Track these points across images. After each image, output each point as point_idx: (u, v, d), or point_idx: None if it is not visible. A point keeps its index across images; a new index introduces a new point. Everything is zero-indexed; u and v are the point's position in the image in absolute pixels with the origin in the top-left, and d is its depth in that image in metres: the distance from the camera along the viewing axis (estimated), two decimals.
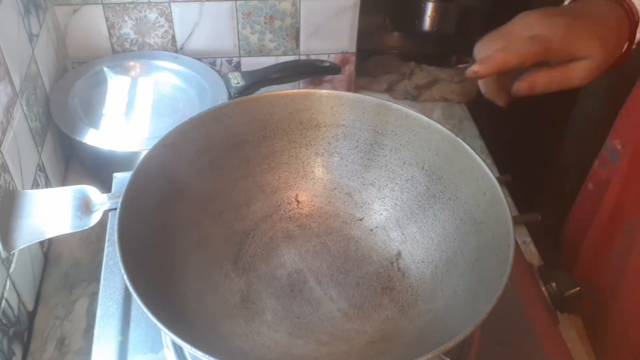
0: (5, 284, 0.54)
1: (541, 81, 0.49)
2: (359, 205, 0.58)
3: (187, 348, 0.37)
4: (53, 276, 0.64)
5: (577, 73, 0.49)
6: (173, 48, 0.86)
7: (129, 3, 0.80)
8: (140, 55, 0.84)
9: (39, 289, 0.63)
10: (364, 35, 0.88)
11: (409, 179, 0.56)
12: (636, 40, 0.52)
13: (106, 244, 0.56)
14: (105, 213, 0.57)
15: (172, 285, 0.47)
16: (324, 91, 0.57)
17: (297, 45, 0.87)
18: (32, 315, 0.60)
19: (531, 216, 0.72)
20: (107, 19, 0.81)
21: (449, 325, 0.44)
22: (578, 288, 0.54)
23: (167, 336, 0.45)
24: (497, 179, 0.48)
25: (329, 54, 0.89)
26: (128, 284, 0.40)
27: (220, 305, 0.50)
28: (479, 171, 0.49)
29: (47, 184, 0.69)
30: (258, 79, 0.79)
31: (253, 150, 0.57)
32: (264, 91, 0.78)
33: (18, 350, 0.56)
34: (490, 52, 0.50)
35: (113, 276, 0.54)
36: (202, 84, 0.79)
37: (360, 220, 0.58)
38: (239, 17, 0.83)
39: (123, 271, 0.40)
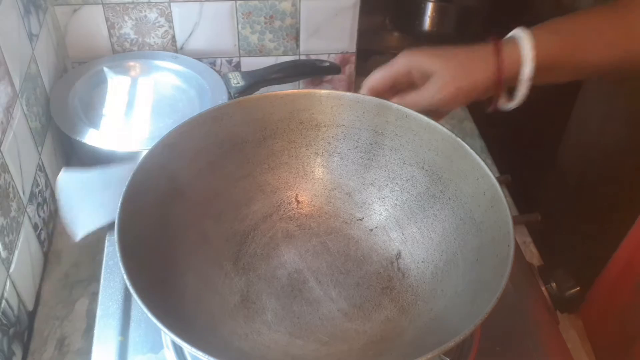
0: (5, 284, 0.54)
1: (406, 101, 0.56)
2: (359, 205, 0.58)
3: (187, 348, 0.37)
4: (53, 276, 0.64)
5: (428, 89, 0.55)
6: (173, 48, 0.86)
7: (129, 3, 0.80)
8: (140, 55, 0.84)
9: (39, 289, 0.63)
10: (364, 35, 0.88)
11: (409, 179, 0.56)
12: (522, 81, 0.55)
13: (106, 244, 0.56)
14: None
15: (172, 285, 0.47)
16: (324, 91, 0.57)
17: (297, 45, 0.87)
18: (32, 315, 0.60)
19: (531, 216, 0.72)
20: (107, 19, 0.81)
21: (449, 325, 0.44)
22: (578, 288, 0.54)
23: (167, 336, 0.45)
24: (497, 179, 0.48)
25: (329, 54, 0.89)
26: (128, 284, 0.40)
27: (220, 305, 0.50)
28: (479, 171, 0.49)
29: (47, 184, 0.69)
30: (258, 79, 0.79)
31: (253, 150, 0.57)
32: (264, 91, 0.78)
33: (18, 350, 0.56)
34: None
35: (113, 276, 0.54)
36: (202, 84, 0.79)
37: (360, 220, 0.58)
38: (238, 17, 0.83)
39: (123, 271, 0.40)
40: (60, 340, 0.58)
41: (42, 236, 0.65)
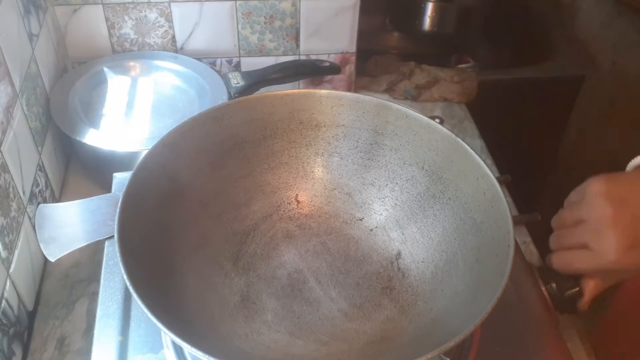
0: (5, 284, 0.54)
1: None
2: (359, 205, 0.58)
3: (187, 348, 0.37)
4: (53, 276, 0.64)
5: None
6: (173, 48, 0.86)
7: (129, 3, 0.80)
8: (140, 55, 0.84)
9: (39, 289, 0.63)
10: (364, 35, 0.88)
11: (409, 179, 0.56)
12: None
13: (106, 244, 0.56)
14: None
15: (172, 285, 0.47)
16: (324, 91, 0.57)
17: (297, 45, 0.87)
18: (32, 315, 0.60)
19: (531, 216, 0.72)
20: (107, 19, 0.81)
21: (449, 325, 0.44)
22: (578, 288, 0.54)
23: (167, 336, 0.45)
24: (497, 179, 0.48)
25: (329, 54, 0.89)
26: (128, 284, 0.40)
27: (220, 305, 0.50)
28: (479, 171, 0.50)
29: (47, 184, 0.69)
30: (258, 79, 0.79)
31: (253, 150, 0.57)
32: (264, 91, 0.78)
33: (18, 350, 0.56)
34: (578, 264, 0.49)
35: (113, 276, 0.54)
36: (202, 84, 0.79)
37: (360, 220, 0.58)
38: (238, 17, 0.83)
39: (123, 271, 0.40)
40: (60, 340, 0.58)
41: None
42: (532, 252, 0.70)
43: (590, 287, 0.50)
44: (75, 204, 0.58)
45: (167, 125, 0.72)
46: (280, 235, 0.57)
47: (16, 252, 0.57)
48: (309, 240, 0.57)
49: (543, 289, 0.57)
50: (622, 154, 0.69)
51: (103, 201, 0.58)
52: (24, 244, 0.59)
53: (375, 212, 0.58)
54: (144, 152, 0.50)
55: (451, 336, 0.38)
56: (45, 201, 0.67)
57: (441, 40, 1.00)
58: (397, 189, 0.57)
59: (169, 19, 0.82)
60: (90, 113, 0.74)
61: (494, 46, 1.02)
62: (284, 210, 0.59)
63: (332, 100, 0.57)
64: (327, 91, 0.57)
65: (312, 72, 0.85)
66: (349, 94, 0.57)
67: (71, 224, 0.56)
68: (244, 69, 0.89)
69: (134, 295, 0.39)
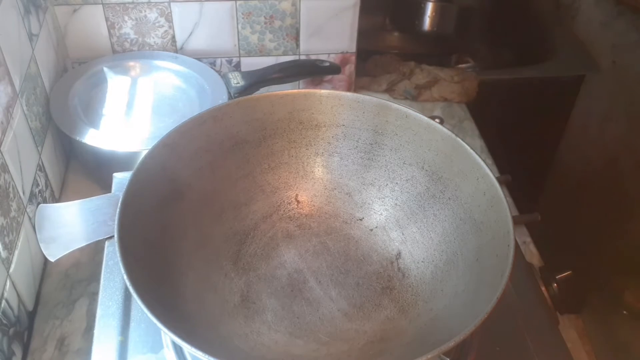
0: (5, 284, 0.54)
1: None
2: (359, 205, 0.58)
3: (187, 348, 0.37)
4: (53, 276, 0.64)
5: None
6: (173, 48, 0.86)
7: (129, 3, 0.80)
8: (140, 55, 0.84)
9: (39, 289, 0.63)
10: (364, 35, 0.88)
11: (409, 179, 0.56)
12: None
13: (106, 244, 0.56)
14: None
15: (172, 286, 0.47)
16: (324, 91, 0.57)
17: (297, 45, 0.87)
18: (32, 315, 0.60)
19: (531, 216, 0.72)
20: (107, 19, 0.81)
21: (449, 325, 0.44)
22: (569, 272, 0.54)
23: (167, 336, 0.45)
24: (497, 179, 0.48)
25: (329, 54, 0.89)
26: (128, 284, 0.40)
27: (220, 305, 0.50)
28: (479, 171, 0.49)
29: (47, 184, 0.69)
30: (258, 79, 0.79)
31: (253, 150, 0.57)
32: (264, 91, 0.78)
33: (18, 350, 0.56)
34: None
35: (113, 276, 0.54)
36: (202, 84, 0.79)
37: (360, 220, 0.58)
38: (239, 17, 0.83)
39: (123, 271, 0.40)
40: (60, 340, 0.58)
41: None
42: (532, 252, 0.70)
43: None
44: (75, 204, 0.58)
45: (167, 125, 0.72)
46: (280, 235, 0.57)
47: (16, 252, 0.57)
48: (309, 240, 0.57)
49: (543, 289, 0.57)
50: (622, 154, 0.69)
51: (103, 201, 0.58)
52: (24, 244, 0.59)
53: (375, 212, 0.58)
54: (144, 152, 0.50)
55: (451, 336, 0.38)
56: (45, 201, 0.67)
57: (441, 40, 1.00)
58: (397, 189, 0.57)
59: (169, 19, 0.82)
60: (90, 113, 0.74)
61: (494, 46, 1.02)
62: (284, 210, 0.59)
63: (332, 100, 0.57)
64: (327, 91, 0.57)
65: (312, 72, 0.85)
66: (349, 94, 0.57)
67: (71, 224, 0.56)
68: (244, 69, 0.89)
69: (134, 295, 0.39)
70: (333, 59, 0.89)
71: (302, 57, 0.89)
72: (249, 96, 0.58)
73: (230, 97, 0.77)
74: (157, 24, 0.83)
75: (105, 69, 0.80)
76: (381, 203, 0.58)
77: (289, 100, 0.57)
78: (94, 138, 0.69)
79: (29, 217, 0.61)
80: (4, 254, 0.54)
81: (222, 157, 0.55)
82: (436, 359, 0.40)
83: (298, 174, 0.59)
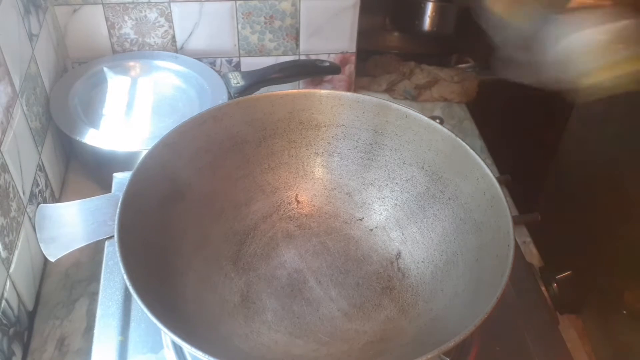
0: (5, 284, 0.54)
1: None
2: (359, 205, 0.58)
3: (187, 348, 0.37)
4: (53, 276, 0.64)
5: None
6: (173, 48, 0.86)
7: (129, 3, 0.80)
8: (140, 55, 0.84)
9: (39, 289, 0.63)
10: (364, 35, 0.88)
11: (409, 179, 0.56)
12: None
13: (106, 244, 0.56)
14: None
15: (172, 286, 0.47)
16: (324, 91, 0.57)
17: (297, 45, 0.87)
18: (32, 315, 0.60)
19: (531, 216, 0.72)
20: (107, 19, 0.81)
21: (449, 325, 0.44)
22: (569, 272, 0.54)
23: (167, 336, 0.45)
24: (497, 179, 0.48)
25: (329, 54, 0.89)
26: (128, 284, 0.40)
27: (220, 305, 0.50)
28: (479, 171, 0.50)
29: (47, 184, 0.69)
30: (258, 79, 0.79)
31: (253, 150, 0.57)
32: (264, 91, 0.78)
33: (18, 350, 0.56)
34: None
35: (113, 276, 0.54)
36: (202, 84, 0.79)
37: (360, 220, 0.58)
38: (238, 17, 0.83)
39: (123, 271, 0.40)
40: (60, 340, 0.58)
41: None
42: (532, 252, 0.70)
43: None
44: (75, 204, 0.58)
45: (167, 125, 0.72)
46: (280, 235, 0.57)
47: (16, 252, 0.57)
48: (309, 240, 0.57)
49: (543, 289, 0.57)
50: (622, 154, 0.69)
51: (103, 201, 0.58)
52: (24, 244, 0.59)
53: (375, 212, 0.58)
54: (144, 152, 0.50)
55: (451, 336, 0.38)
56: (45, 201, 0.67)
57: (441, 40, 1.00)
58: (397, 189, 0.57)
59: (169, 19, 0.82)
60: (90, 113, 0.74)
61: (494, 46, 1.02)
62: (284, 210, 0.59)
63: (332, 100, 0.57)
64: (327, 91, 0.57)
65: (312, 72, 0.85)
66: (349, 94, 0.57)
67: (71, 224, 0.56)
68: (244, 69, 0.89)
69: (134, 295, 0.39)
70: (333, 59, 0.89)
71: (302, 57, 0.89)
72: (249, 96, 0.58)
73: (230, 97, 0.77)
74: (157, 24, 0.83)
75: (105, 69, 0.80)
76: (381, 203, 0.58)
77: (289, 100, 0.57)
78: (94, 138, 0.69)
79: (29, 217, 0.61)
80: (4, 254, 0.54)
81: (222, 157, 0.55)
82: (436, 359, 0.40)
83: (298, 174, 0.59)
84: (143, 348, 0.49)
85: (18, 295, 0.57)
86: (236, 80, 0.78)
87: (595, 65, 0.49)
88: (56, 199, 0.72)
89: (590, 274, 0.66)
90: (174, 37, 0.84)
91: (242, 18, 0.83)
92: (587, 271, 0.65)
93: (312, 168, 0.59)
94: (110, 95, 0.78)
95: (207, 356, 0.37)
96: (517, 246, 0.53)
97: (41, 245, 0.54)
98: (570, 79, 0.49)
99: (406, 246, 0.55)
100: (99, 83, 0.79)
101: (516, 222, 0.70)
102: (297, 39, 0.87)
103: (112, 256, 0.56)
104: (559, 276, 0.59)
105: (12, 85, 0.60)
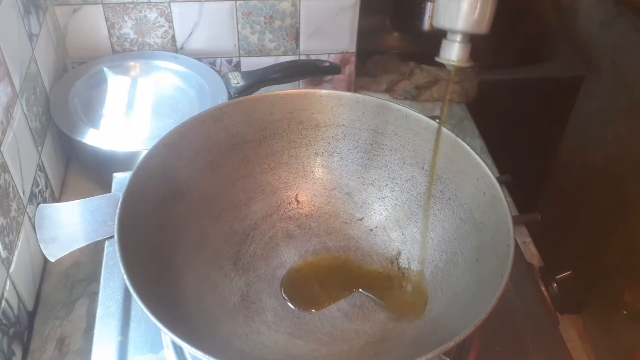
0: (5, 284, 0.54)
1: None
2: (359, 205, 0.58)
3: (187, 348, 0.37)
4: (53, 276, 0.64)
5: None
6: (173, 48, 0.86)
7: (129, 3, 0.80)
8: (140, 55, 0.84)
9: (39, 289, 0.63)
10: (364, 35, 0.88)
11: (409, 179, 0.56)
12: None
13: (106, 244, 0.56)
14: None
15: (172, 286, 0.47)
16: (324, 91, 0.57)
17: (297, 45, 0.87)
18: (32, 315, 0.60)
19: (531, 216, 0.72)
20: (107, 19, 0.81)
21: (449, 325, 0.44)
22: (569, 272, 0.54)
23: (167, 336, 0.45)
24: (497, 179, 0.48)
25: (329, 54, 0.89)
26: (128, 284, 0.40)
27: (220, 305, 0.50)
28: (479, 171, 0.50)
29: (47, 184, 0.69)
30: (258, 79, 0.79)
31: (253, 150, 0.57)
32: (264, 91, 0.78)
33: (18, 350, 0.56)
34: None
35: (113, 276, 0.54)
36: (202, 84, 0.79)
37: (360, 220, 0.58)
38: (238, 17, 0.83)
39: (123, 271, 0.40)
40: (60, 340, 0.58)
41: None
42: (532, 252, 0.70)
43: None
44: (75, 204, 0.58)
45: (167, 125, 0.72)
46: (280, 235, 0.57)
47: (16, 252, 0.57)
48: (309, 240, 0.57)
49: (543, 289, 0.57)
50: (622, 154, 0.69)
51: (103, 201, 0.58)
52: (24, 244, 0.59)
53: (375, 212, 0.58)
54: (144, 152, 0.50)
55: (451, 336, 0.38)
56: (45, 201, 0.67)
57: (441, 40, 0.99)
58: (397, 189, 0.57)
59: (169, 19, 0.82)
60: (90, 113, 0.74)
61: (494, 46, 1.02)
62: (284, 210, 0.59)
63: (332, 100, 0.57)
64: (327, 91, 0.57)
65: (312, 72, 0.85)
66: (349, 94, 0.57)
67: (71, 224, 0.56)
68: (244, 69, 0.89)
69: (134, 295, 0.39)
70: (333, 59, 0.89)
71: (302, 57, 0.89)
72: (249, 96, 0.58)
73: (230, 97, 0.77)
74: (157, 24, 0.83)
75: (105, 69, 0.80)
76: (381, 203, 0.58)
77: (289, 100, 0.57)
78: (94, 138, 0.69)
79: (29, 217, 0.61)
80: (4, 254, 0.54)
81: (222, 157, 0.55)
82: (436, 359, 0.40)
83: (298, 174, 0.59)
84: (143, 348, 0.49)
85: (18, 295, 0.57)
86: (236, 80, 0.78)
87: None
88: (56, 199, 0.72)
89: (590, 274, 0.66)
90: (174, 37, 0.84)
91: (242, 18, 0.83)
92: (587, 271, 0.65)
93: (312, 168, 0.59)
94: (110, 96, 0.78)
95: (207, 356, 0.37)
96: (517, 246, 0.53)
97: (41, 245, 0.54)
98: None
99: (406, 246, 0.55)
100: (99, 83, 0.79)
101: (516, 222, 0.70)
102: (297, 39, 0.87)
103: (112, 256, 0.56)
104: (559, 276, 0.59)
105: (12, 85, 0.60)
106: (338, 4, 0.83)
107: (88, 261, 0.65)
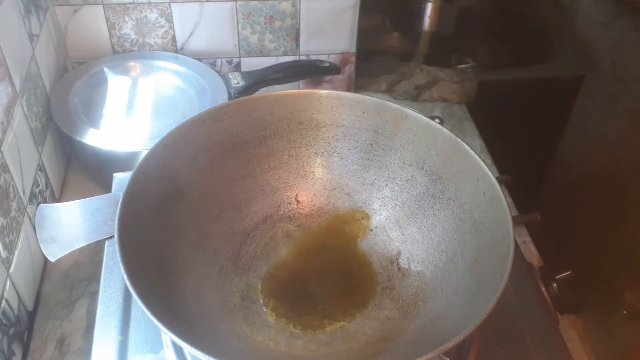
0: (5, 284, 0.54)
1: None
2: (359, 205, 0.58)
3: (187, 348, 0.37)
4: (53, 276, 0.64)
5: None
6: (173, 48, 0.86)
7: (129, 3, 0.80)
8: (141, 55, 0.84)
9: (39, 289, 0.63)
10: (364, 35, 0.88)
11: (409, 179, 0.56)
12: None
13: (106, 244, 0.56)
14: None
15: (172, 286, 0.47)
16: (324, 91, 0.57)
17: (297, 46, 0.87)
18: (32, 315, 0.60)
19: (531, 216, 0.72)
20: (107, 19, 0.81)
21: (449, 325, 0.44)
22: (569, 272, 0.54)
23: (167, 336, 0.45)
24: (497, 179, 0.48)
25: (329, 54, 0.89)
26: (128, 284, 0.40)
27: (220, 305, 0.50)
28: (479, 171, 0.50)
29: (47, 184, 0.69)
30: (258, 79, 0.79)
31: (253, 150, 0.57)
32: (264, 91, 0.78)
33: (18, 350, 0.56)
34: None
35: (113, 276, 0.54)
36: (202, 84, 0.79)
37: (361, 220, 0.58)
38: (239, 18, 0.83)
39: (123, 271, 0.40)
40: (60, 340, 0.58)
41: None
42: (532, 252, 0.70)
43: None
44: (75, 204, 0.58)
45: (167, 125, 0.72)
46: (280, 235, 0.57)
47: (16, 252, 0.57)
48: (309, 240, 0.57)
49: (543, 289, 0.57)
50: (622, 154, 0.69)
51: (103, 201, 0.58)
52: (24, 244, 0.59)
53: (375, 212, 0.58)
54: (144, 152, 0.50)
55: (451, 336, 0.38)
56: (45, 201, 0.67)
57: (441, 40, 0.99)
58: (397, 189, 0.57)
59: (169, 19, 0.82)
60: (91, 113, 0.74)
61: (494, 46, 1.02)
62: (284, 210, 0.59)
63: (332, 100, 0.57)
64: (327, 91, 0.57)
65: (312, 72, 0.85)
66: (349, 94, 0.57)
67: (71, 224, 0.56)
68: (244, 69, 0.89)
69: (134, 295, 0.39)
70: (333, 59, 0.89)
71: (302, 58, 0.89)
72: (249, 96, 0.58)
73: (230, 97, 0.77)
74: (157, 24, 0.83)
75: (105, 69, 0.80)
76: (381, 203, 0.58)
77: (289, 100, 0.57)
78: (94, 138, 0.69)
79: (29, 217, 0.61)
80: (4, 254, 0.54)
81: (222, 157, 0.55)
82: (436, 359, 0.40)
83: (298, 174, 0.59)
84: (143, 348, 0.49)
85: (18, 295, 0.57)
86: (236, 81, 0.78)
87: None
88: (56, 199, 0.72)
89: (590, 274, 0.66)
90: (174, 37, 0.84)
91: (242, 18, 0.83)
92: (587, 271, 0.65)
93: (312, 168, 0.59)
94: (110, 96, 0.78)
95: (207, 356, 0.37)
96: (517, 246, 0.53)
97: (41, 245, 0.54)
98: None
99: (406, 246, 0.55)
100: (100, 83, 0.79)
101: (516, 222, 0.70)
102: (297, 39, 0.87)
103: (112, 256, 0.56)
104: (559, 276, 0.59)
105: (13, 85, 0.60)
106: (338, 4, 0.83)
107: (88, 261, 0.65)
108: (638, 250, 0.61)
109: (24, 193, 0.60)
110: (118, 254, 0.42)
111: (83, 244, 0.55)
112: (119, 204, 0.45)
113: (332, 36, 0.87)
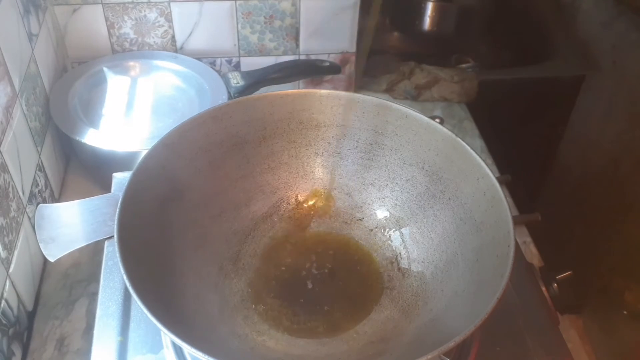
0: (5, 284, 0.54)
1: None
2: (359, 205, 0.58)
3: (187, 348, 0.37)
4: (53, 276, 0.64)
5: None
6: (173, 48, 0.86)
7: (129, 3, 0.80)
8: (140, 55, 0.84)
9: (38, 289, 0.63)
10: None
11: (409, 179, 0.56)
12: None
13: (106, 244, 0.56)
14: None
15: (172, 286, 0.47)
16: (323, 91, 0.57)
17: (297, 45, 0.87)
18: (32, 315, 0.60)
19: (531, 216, 0.72)
20: (106, 19, 0.81)
21: (449, 325, 0.44)
22: (569, 272, 0.54)
23: (167, 336, 0.45)
24: (497, 179, 0.48)
25: (329, 53, 0.88)
26: (128, 284, 0.40)
27: (220, 305, 0.50)
28: (479, 171, 0.49)
29: (47, 184, 0.69)
30: (258, 79, 0.79)
31: (253, 150, 0.57)
32: (264, 91, 0.78)
33: (18, 350, 0.56)
34: None
35: (113, 276, 0.54)
36: (201, 83, 0.79)
37: (360, 220, 0.58)
38: (238, 17, 0.83)
39: (123, 271, 0.40)
40: (60, 340, 0.58)
41: None
42: (532, 252, 0.70)
43: None
44: (75, 204, 0.58)
45: (167, 125, 0.72)
46: (280, 236, 0.57)
47: (16, 252, 0.57)
48: (309, 240, 0.57)
49: (543, 289, 0.57)
50: (622, 154, 0.69)
51: (103, 201, 0.58)
52: (24, 244, 0.59)
53: (375, 212, 0.58)
54: (144, 152, 0.50)
55: (451, 336, 0.38)
56: (44, 201, 0.67)
57: (441, 40, 0.99)
58: (397, 189, 0.57)
59: (168, 18, 0.82)
60: (90, 113, 0.74)
61: (494, 46, 1.02)
62: (284, 210, 0.59)
63: (332, 100, 0.57)
64: (327, 91, 0.57)
65: (312, 72, 0.85)
66: (349, 94, 0.57)
67: (71, 224, 0.56)
68: (243, 68, 0.88)
69: (134, 295, 0.39)
70: (333, 58, 0.89)
71: (302, 57, 0.89)
72: (249, 96, 0.58)
73: (230, 97, 0.77)
74: (156, 24, 0.83)
75: (105, 69, 0.80)
76: (381, 203, 0.58)
77: (289, 100, 0.57)
78: (93, 138, 0.69)
79: (28, 217, 0.61)
80: (3, 254, 0.54)
81: (222, 157, 0.55)
82: (436, 359, 0.40)
83: (298, 174, 0.59)
84: (143, 348, 0.49)
85: (17, 295, 0.57)
86: (236, 80, 0.78)
87: None
88: (56, 199, 0.72)
89: (590, 274, 0.66)
90: (173, 37, 0.84)
91: (242, 18, 0.83)
92: (587, 271, 0.65)
93: (312, 168, 0.59)
94: (110, 95, 0.78)
95: (207, 356, 0.37)
96: (517, 246, 0.53)
97: (41, 245, 0.54)
98: None
99: (406, 246, 0.55)
100: (99, 83, 0.79)
101: (516, 222, 0.70)
102: (297, 38, 0.87)
103: (112, 256, 0.56)
104: (559, 276, 0.59)
105: (12, 85, 0.60)
106: (338, 4, 0.83)
107: (88, 261, 0.65)
108: (638, 250, 0.61)
109: (23, 193, 0.60)
110: (117, 254, 0.42)
111: (82, 244, 0.55)
112: (119, 204, 0.45)
113: (332, 36, 0.87)
